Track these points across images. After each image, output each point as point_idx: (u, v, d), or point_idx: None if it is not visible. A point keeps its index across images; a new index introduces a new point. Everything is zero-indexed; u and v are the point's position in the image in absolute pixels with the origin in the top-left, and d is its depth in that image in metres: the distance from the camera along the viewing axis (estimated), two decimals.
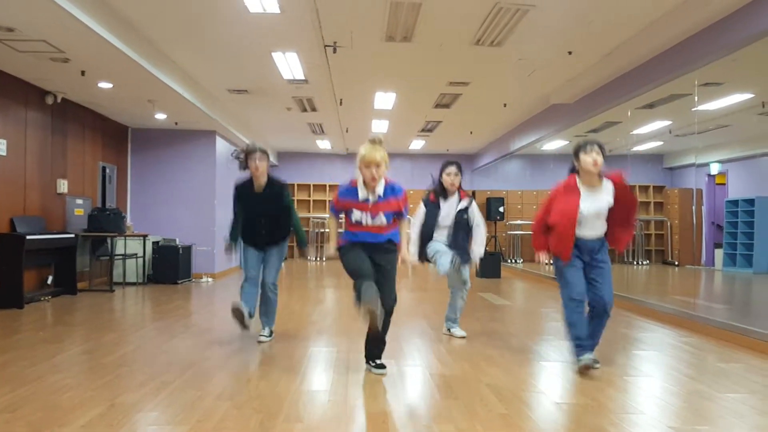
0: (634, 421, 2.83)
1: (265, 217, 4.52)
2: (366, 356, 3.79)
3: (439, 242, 4.68)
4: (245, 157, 4.44)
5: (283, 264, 4.77)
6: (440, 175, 4.75)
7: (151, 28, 5.83)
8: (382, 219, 3.55)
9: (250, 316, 4.46)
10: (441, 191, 4.74)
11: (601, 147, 3.76)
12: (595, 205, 3.76)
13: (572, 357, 3.83)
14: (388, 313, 3.60)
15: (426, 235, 4.70)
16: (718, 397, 3.25)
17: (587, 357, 3.67)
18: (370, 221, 3.53)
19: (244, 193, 4.52)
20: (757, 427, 2.79)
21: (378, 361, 3.74)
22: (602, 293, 3.77)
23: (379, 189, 3.53)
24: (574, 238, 3.76)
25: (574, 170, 3.86)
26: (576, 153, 3.79)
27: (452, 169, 4.70)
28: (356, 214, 3.54)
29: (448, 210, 4.69)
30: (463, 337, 4.78)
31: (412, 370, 3.82)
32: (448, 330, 4.91)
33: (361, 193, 3.53)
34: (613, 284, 3.82)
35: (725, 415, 2.97)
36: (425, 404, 3.10)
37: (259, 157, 4.40)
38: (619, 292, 7.27)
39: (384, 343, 3.77)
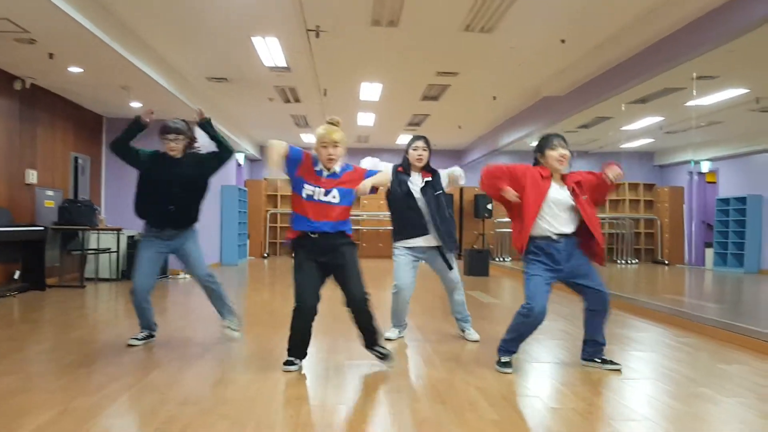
0: (633, 428, 2.60)
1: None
2: (366, 345, 3.61)
3: (405, 255, 4.34)
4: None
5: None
6: (407, 150, 4.37)
7: (122, 9, 5.52)
8: (335, 195, 3.42)
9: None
10: (407, 168, 4.36)
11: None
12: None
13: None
14: (361, 308, 3.44)
15: (399, 217, 4.34)
16: (722, 400, 3.04)
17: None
18: (322, 196, 3.43)
19: None
20: None
21: (380, 349, 3.56)
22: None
23: (336, 167, 3.48)
24: None
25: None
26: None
27: (420, 143, 4.32)
28: (308, 188, 3.44)
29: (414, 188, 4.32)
30: (476, 341, 4.44)
31: (396, 373, 3.55)
32: (462, 331, 4.58)
33: (317, 167, 3.49)
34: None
35: (730, 420, 2.77)
36: (410, 409, 2.84)
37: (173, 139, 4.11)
38: (611, 290, 7.08)
39: (375, 332, 3.56)
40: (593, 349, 3.67)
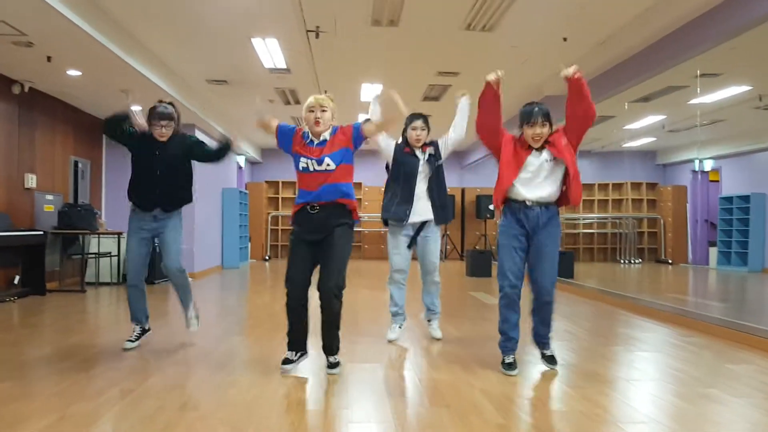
0: (642, 430, 2.56)
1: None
2: (323, 349, 3.51)
3: (397, 236, 4.35)
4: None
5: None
6: (405, 129, 4.41)
7: (121, 11, 5.47)
8: (329, 164, 3.39)
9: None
10: (411, 147, 4.41)
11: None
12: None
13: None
14: (330, 297, 3.35)
15: (395, 191, 4.35)
16: (730, 400, 2.99)
17: None
18: (316, 166, 3.40)
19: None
20: None
21: (331, 359, 3.47)
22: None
23: (325, 135, 3.46)
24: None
25: None
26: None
27: (418, 122, 4.36)
28: (303, 161, 3.42)
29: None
30: (438, 339, 4.47)
31: (398, 374, 3.51)
32: (428, 321, 4.61)
33: (307, 139, 3.47)
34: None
35: (739, 420, 2.72)
36: (413, 412, 2.80)
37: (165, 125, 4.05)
38: (614, 289, 7.04)
39: (337, 331, 3.47)
40: (536, 340, 3.69)
